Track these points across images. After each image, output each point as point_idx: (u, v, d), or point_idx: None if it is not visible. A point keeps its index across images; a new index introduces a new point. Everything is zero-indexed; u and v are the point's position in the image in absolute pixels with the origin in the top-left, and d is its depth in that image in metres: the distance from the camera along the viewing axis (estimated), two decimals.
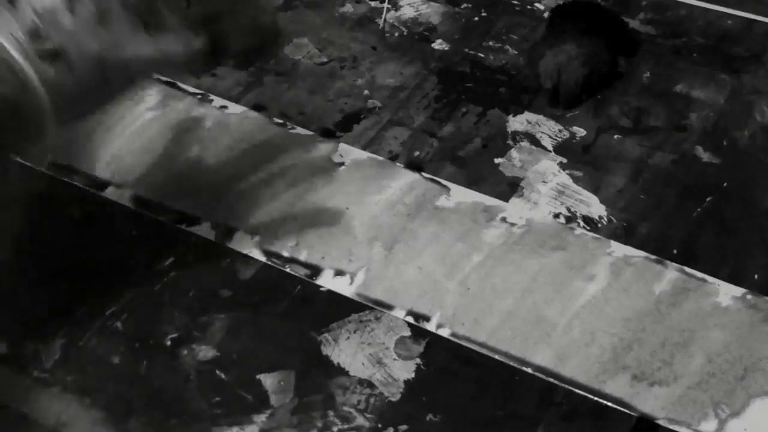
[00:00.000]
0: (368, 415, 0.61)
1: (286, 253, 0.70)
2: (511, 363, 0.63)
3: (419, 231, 0.71)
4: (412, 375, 0.63)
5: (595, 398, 0.62)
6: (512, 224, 0.72)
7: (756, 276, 0.68)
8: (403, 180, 0.75)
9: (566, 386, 0.62)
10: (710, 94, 0.82)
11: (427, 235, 0.71)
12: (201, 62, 0.62)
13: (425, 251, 0.70)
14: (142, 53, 0.59)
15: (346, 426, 0.61)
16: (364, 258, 0.69)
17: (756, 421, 0.60)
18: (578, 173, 0.76)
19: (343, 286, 0.68)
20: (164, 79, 0.85)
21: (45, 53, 0.54)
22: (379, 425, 0.61)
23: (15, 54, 0.54)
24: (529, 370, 0.63)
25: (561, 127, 0.80)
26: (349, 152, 0.78)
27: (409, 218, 0.72)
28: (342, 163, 0.76)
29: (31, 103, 0.55)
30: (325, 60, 0.87)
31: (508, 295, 0.67)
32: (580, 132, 0.79)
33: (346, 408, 0.61)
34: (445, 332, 0.65)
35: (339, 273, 0.69)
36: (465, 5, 0.93)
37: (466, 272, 0.68)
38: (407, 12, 0.92)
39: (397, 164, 0.77)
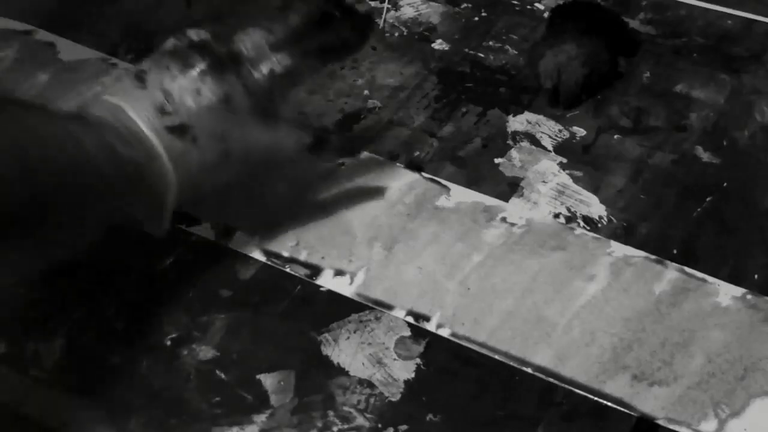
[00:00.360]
0: (368, 415, 0.61)
1: (285, 253, 0.70)
2: (511, 363, 0.63)
3: (419, 231, 0.71)
4: (412, 375, 0.63)
5: (595, 398, 0.62)
6: (512, 224, 0.72)
7: (756, 276, 0.68)
8: (403, 180, 0.75)
9: (566, 386, 0.62)
10: (710, 94, 0.82)
11: (427, 235, 0.71)
12: (307, 156, 0.67)
13: (425, 251, 0.70)
14: (260, 139, 0.63)
15: (346, 426, 0.61)
16: (364, 258, 0.69)
17: (756, 421, 0.60)
18: (578, 173, 0.76)
19: (343, 287, 0.68)
20: None
21: (172, 127, 0.59)
22: (379, 425, 0.61)
23: (143, 126, 0.58)
24: (529, 370, 0.63)
25: (561, 127, 0.80)
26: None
27: (409, 218, 0.72)
28: (342, 164, 0.76)
29: (158, 172, 0.59)
30: None
31: (508, 295, 0.67)
32: (580, 132, 0.79)
33: (346, 408, 0.61)
34: (445, 332, 0.65)
35: (339, 273, 0.69)
36: (465, 5, 0.93)
37: (466, 272, 0.68)
38: (407, 12, 0.92)
39: (397, 164, 0.77)
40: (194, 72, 0.61)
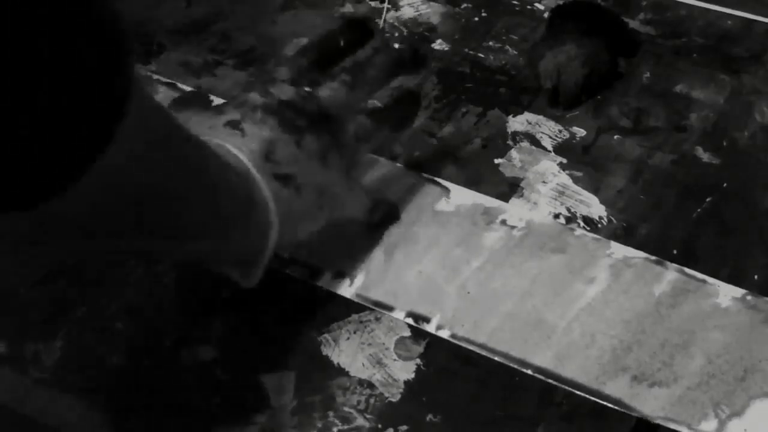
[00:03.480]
0: (368, 416, 0.61)
1: (285, 256, 0.70)
2: (511, 364, 0.63)
3: (419, 235, 0.71)
4: (412, 375, 0.63)
5: (595, 399, 0.62)
6: (512, 227, 0.72)
7: (756, 277, 0.68)
8: (403, 182, 0.75)
9: (566, 387, 0.62)
10: (710, 95, 0.83)
11: (426, 239, 0.71)
12: (375, 221, 0.70)
13: (425, 256, 0.70)
14: (349, 195, 0.65)
15: (346, 426, 0.61)
16: (364, 265, 0.69)
17: (756, 421, 0.60)
18: (578, 173, 0.76)
19: (343, 289, 0.68)
20: (163, 80, 0.85)
21: (278, 175, 0.58)
22: (379, 426, 0.61)
23: (250, 166, 0.57)
24: (529, 372, 0.63)
25: (561, 128, 0.80)
26: None
27: (409, 222, 0.72)
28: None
29: (263, 214, 0.57)
30: None
31: (507, 298, 0.67)
32: (580, 132, 0.80)
33: (346, 408, 0.62)
34: (444, 334, 0.65)
35: (339, 275, 0.69)
36: (465, 5, 0.93)
37: (466, 276, 0.68)
38: (407, 12, 0.92)
39: (397, 164, 0.77)
40: (294, 127, 0.60)
